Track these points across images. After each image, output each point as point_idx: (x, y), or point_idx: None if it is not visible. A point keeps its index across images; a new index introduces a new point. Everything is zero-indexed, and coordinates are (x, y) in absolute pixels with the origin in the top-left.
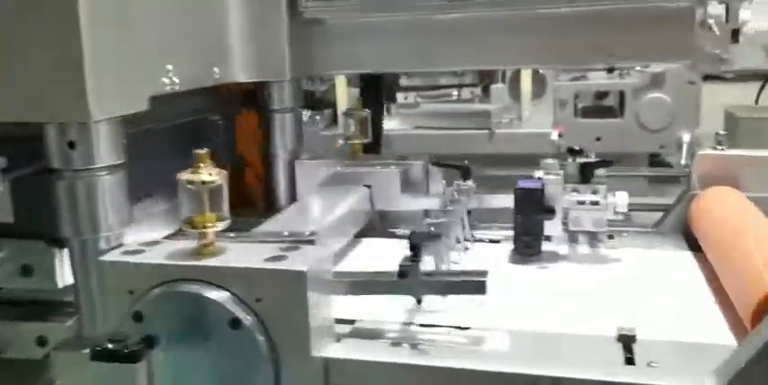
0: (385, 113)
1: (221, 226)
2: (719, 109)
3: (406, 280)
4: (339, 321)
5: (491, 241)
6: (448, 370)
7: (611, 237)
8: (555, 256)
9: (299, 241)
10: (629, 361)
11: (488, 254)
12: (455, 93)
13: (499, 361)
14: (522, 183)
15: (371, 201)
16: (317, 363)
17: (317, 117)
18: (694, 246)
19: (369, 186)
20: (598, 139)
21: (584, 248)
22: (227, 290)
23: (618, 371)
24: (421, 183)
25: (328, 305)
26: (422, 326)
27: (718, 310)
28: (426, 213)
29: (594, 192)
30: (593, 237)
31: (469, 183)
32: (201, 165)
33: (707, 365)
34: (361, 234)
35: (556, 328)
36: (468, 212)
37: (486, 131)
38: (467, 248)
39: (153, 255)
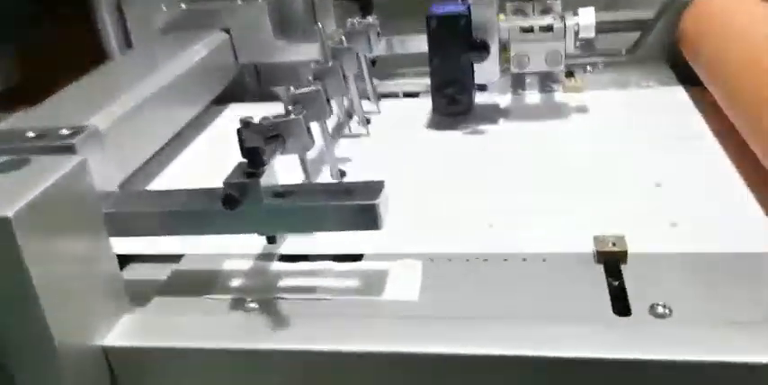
0: None
1: None
2: None
3: (238, 211)
4: (159, 258)
5: (406, 95)
6: (316, 356)
7: (569, 74)
8: (491, 113)
9: (50, 148)
10: (623, 310)
11: (399, 117)
12: None
13: (411, 330)
14: (437, 8)
15: (234, 52)
16: (81, 361)
17: None
18: (689, 78)
19: (227, 30)
20: None
21: (533, 97)
22: None
23: (603, 333)
24: (302, 22)
25: (100, 259)
26: (284, 258)
27: (744, 187)
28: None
29: (545, 12)
30: (546, 79)
31: (371, 19)
32: None
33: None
34: (230, 97)
35: (496, 246)
36: (373, 62)
37: None
38: (368, 120)
39: None
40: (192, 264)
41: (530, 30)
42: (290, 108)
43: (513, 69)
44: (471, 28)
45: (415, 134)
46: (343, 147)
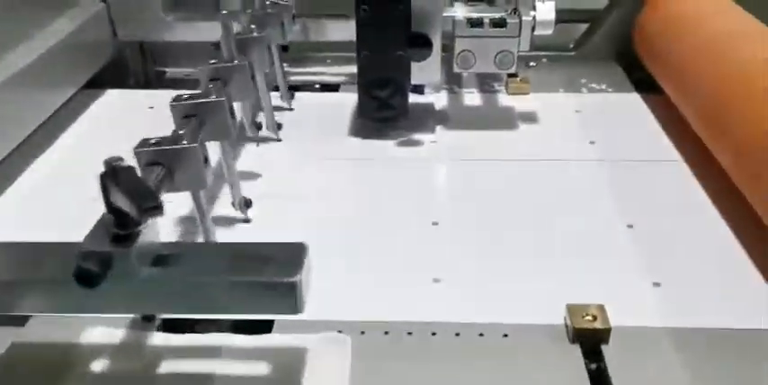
0: None
1: None
2: None
3: (94, 289)
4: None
5: (324, 88)
6: None
7: (512, 75)
8: (426, 118)
9: None
10: None
11: (316, 117)
12: None
13: None
14: None
15: (112, 26)
16: None
17: None
18: (642, 81)
19: (104, 0)
20: None
21: (473, 98)
22: None
23: None
24: None
25: None
26: (166, 325)
27: (726, 228)
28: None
29: (490, 1)
30: (486, 76)
31: None
32: None
33: None
34: (109, 80)
35: (446, 312)
36: (285, 48)
37: None
38: (279, 126)
39: None
40: (39, 332)
41: (478, 23)
42: (180, 132)
43: (457, 69)
44: (411, 18)
45: (337, 144)
46: (248, 161)
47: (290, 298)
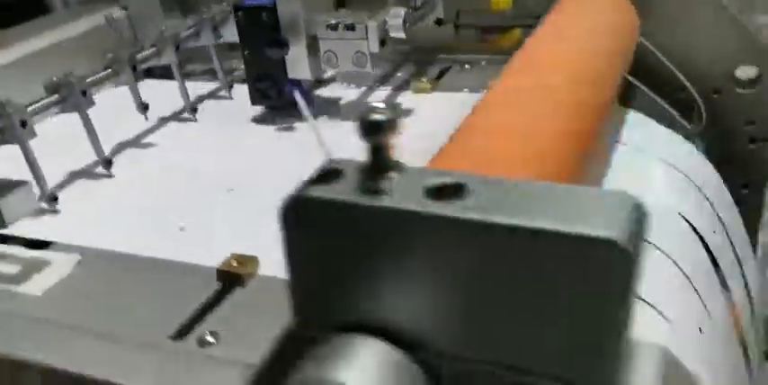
0: None
1: None
2: None
3: None
4: None
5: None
6: None
7: (420, 73)
8: (324, 109)
9: None
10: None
11: (237, 107)
12: None
13: None
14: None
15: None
16: None
17: None
18: None
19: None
20: None
21: (380, 94)
22: None
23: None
24: None
25: None
26: None
27: None
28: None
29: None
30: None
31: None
32: None
33: None
34: None
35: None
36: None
37: None
38: (146, 106)
39: None
40: None
41: (335, 27)
42: None
43: (324, 66)
44: (279, 22)
45: (228, 127)
46: (159, 136)
47: None
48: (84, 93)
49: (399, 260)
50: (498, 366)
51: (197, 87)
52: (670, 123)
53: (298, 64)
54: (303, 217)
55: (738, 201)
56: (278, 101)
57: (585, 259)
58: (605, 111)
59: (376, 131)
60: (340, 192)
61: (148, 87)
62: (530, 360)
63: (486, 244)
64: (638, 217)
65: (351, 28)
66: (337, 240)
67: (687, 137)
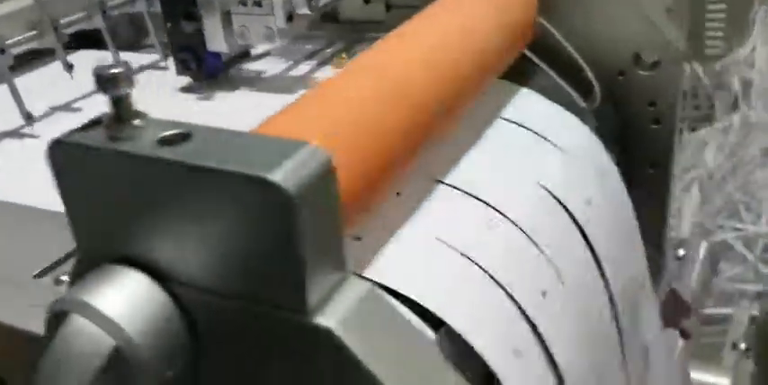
0: None
1: None
2: None
3: None
4: None
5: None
6: None
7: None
8: (242, 82)
9: None
10: None
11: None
12: None
13: None
14: None
15: None
16: None
17: None
18: None
19: None
20: None
21: (303, 68)
22: None
23: None
24: None
25: None
26: None
27: None
28: None
29: None
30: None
31: None
32: None
33: None
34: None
35: None
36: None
37: None
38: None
39: None
40: None
41: (244, 3)
42: None
43: (239, 41)
44: None
45: (156, 94)
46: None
47: None
48: (2, 51)
49: (145, 199)
50: (225, 296)
51: (142, 58)
52: (568, 102)
53: (214, 37)
54: (66, 160)
55: (645, 179)
56: (197, 72)
57: (254, 196)
58: (469, 83)
59: (111, 85)
60: (91, 138)
61: (88, 57)
62: (241, 286)
63: (192, 182)
64: (316, 166)
65: (258, 4)
66: (95, 181)
67: (581, 115)
